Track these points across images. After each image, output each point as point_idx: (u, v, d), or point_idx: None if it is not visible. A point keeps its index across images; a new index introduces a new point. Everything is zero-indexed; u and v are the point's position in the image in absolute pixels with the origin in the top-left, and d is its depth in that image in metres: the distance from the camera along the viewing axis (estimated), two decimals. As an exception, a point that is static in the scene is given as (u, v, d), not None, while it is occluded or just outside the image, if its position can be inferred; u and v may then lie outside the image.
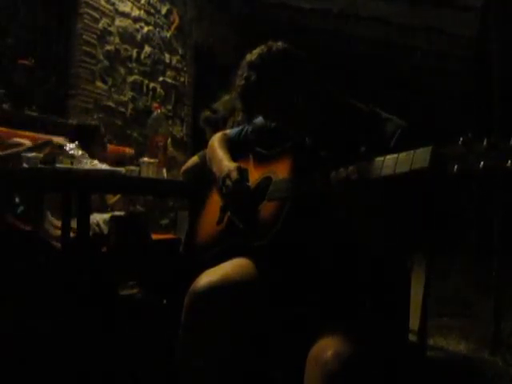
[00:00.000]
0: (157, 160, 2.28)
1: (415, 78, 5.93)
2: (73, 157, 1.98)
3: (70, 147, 2.10)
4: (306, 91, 1.36)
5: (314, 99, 1.38)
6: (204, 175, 1.74)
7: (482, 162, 0.95)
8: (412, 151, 1.08)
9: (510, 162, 0.92)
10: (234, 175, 1.45)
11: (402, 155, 1.10)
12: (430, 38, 4.82)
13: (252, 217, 1.44)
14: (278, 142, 1.47)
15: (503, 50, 3.09)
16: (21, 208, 2.26)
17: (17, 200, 2.29)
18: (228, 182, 1.46)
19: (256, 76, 1.34)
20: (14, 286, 2.06)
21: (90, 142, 2.87)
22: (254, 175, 1.53)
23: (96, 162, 2.23)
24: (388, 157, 1.12)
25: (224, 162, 1.55)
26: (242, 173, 1.47)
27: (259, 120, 1.58)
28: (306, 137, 1.41)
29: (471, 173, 0.96)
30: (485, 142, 0.95)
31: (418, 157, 1.06)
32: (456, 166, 0.98)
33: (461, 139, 0.98)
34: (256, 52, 1.38)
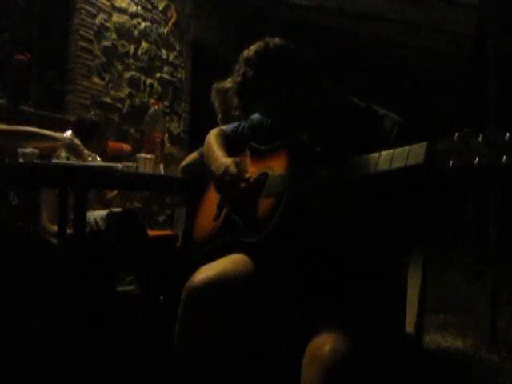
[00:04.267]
0: (154, 156, 2.27)
1: (413, 75, 5.92)
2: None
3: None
4: (303, 88, 1.36)
5: (311, 96, 1.38)
6: (203, 172, 1.74)
7: (477, 158, 0.94)
8: (407, 147, 1.08)
9: (505, 157, 0.91)
10: (232, 169, 1.45)
11: (398, 151, 1.10)
12: (429, 36, 4.82)
13: (249, 212, 1.44)
14: (275, 138, 1.46)
15: (501, 48, 3.09)
16: (15, 201, 2.25)
17: (12, 194, 2.27)
18: (227, 178, 1.46)
19: (253, 72, 1.33)
20: (11, 283, 2.05)
21: (88, 137, 2.86)
22: (251, 171, 1.52)
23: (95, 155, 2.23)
24: (384, 152, 1.12)
25: (221, 159, 1.54)
26: (240, 166, 1.48)
27: (256, 116, 1.58)
28: (303, 133, 1.41)
29: (466, 168, 0.96)
30: (480, 138, 0.95)
31: (414, 152, 1.06)
32: (451, 162, 0.98)
33: (456, 134, 0.98)
34: (253, 48, 1.37)
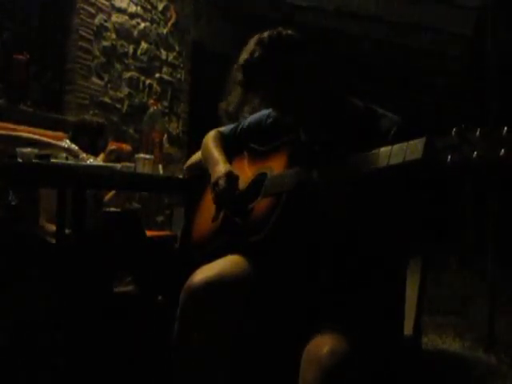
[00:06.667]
0: (152, 156, 2.27)
1: (412, 76, 5.92)
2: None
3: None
4: (306, 81, 1.35)
5: (312, 91, 1.37)
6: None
7: (475, 152, 0.95)
8: (406, 143, 1.08)
9: (503, 150, 0.92)
10: (222, 183, 1.45)
11: (396, 147, 1.10)
12: (427, 37, 4.83)
13: (246, 214, 1.44)
14: (274, 138, 1.46)
15: (501, 48, 3.09)
16: (14, 200, 2.25)
17: (11, 194, 2.27)
18: (216, 190, 1.46)
19: (260, 52, 1.33)
20: (9, 283, 2.05)
21: (94, 138, 2.86)
22: (249, 171, 1.52)
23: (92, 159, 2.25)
24: (382, 149, 1.13)
25: (217, 167, 1.54)
26: (231, 179, 1.46)
27: (255, 116, 1.58)
28: (301, 132, 1.40)
29: (465, 163, 0.96)
30: (478, 132, 0.96)
31: (412, 148, 1.06)
32: (449, 157, 0.98)
33: (454, 130, 0.98)
34: (266, 33, 1.37)
